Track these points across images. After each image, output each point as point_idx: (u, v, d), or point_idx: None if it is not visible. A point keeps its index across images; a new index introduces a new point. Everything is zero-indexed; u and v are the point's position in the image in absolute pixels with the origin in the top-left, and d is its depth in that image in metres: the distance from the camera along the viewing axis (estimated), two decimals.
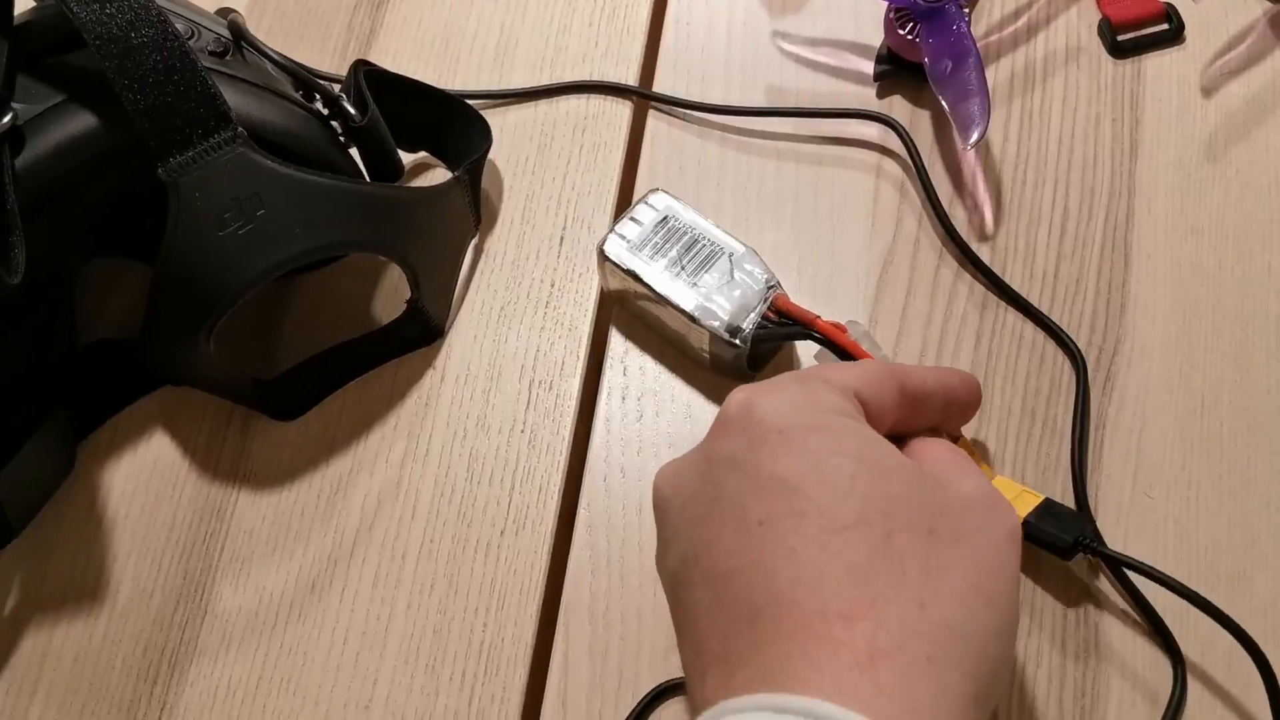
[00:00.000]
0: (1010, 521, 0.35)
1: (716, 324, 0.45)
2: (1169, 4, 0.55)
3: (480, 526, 0.46)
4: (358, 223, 0.44)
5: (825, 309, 0.45)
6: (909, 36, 0.51)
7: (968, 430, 0.44)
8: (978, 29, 0.55)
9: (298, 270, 0.50)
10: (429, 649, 0.44)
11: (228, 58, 0.45)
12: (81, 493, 0.48)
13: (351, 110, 0.46)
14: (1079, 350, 0.47)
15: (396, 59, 0.57)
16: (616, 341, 0.50)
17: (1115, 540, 0.44)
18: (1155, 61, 0.54)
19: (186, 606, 0.46)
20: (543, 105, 0.55)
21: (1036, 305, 0.48)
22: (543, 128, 0.55)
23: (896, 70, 0.54)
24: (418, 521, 0.47)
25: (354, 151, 0.48)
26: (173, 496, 0.48)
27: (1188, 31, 0.55)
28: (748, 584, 0.32)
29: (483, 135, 0.52)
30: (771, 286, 0.46)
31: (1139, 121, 0.53)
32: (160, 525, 0.48)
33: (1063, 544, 0.40)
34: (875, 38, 0.54)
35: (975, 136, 0.48)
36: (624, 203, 0.53)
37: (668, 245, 0.47)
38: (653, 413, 0.48)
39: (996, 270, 0.49)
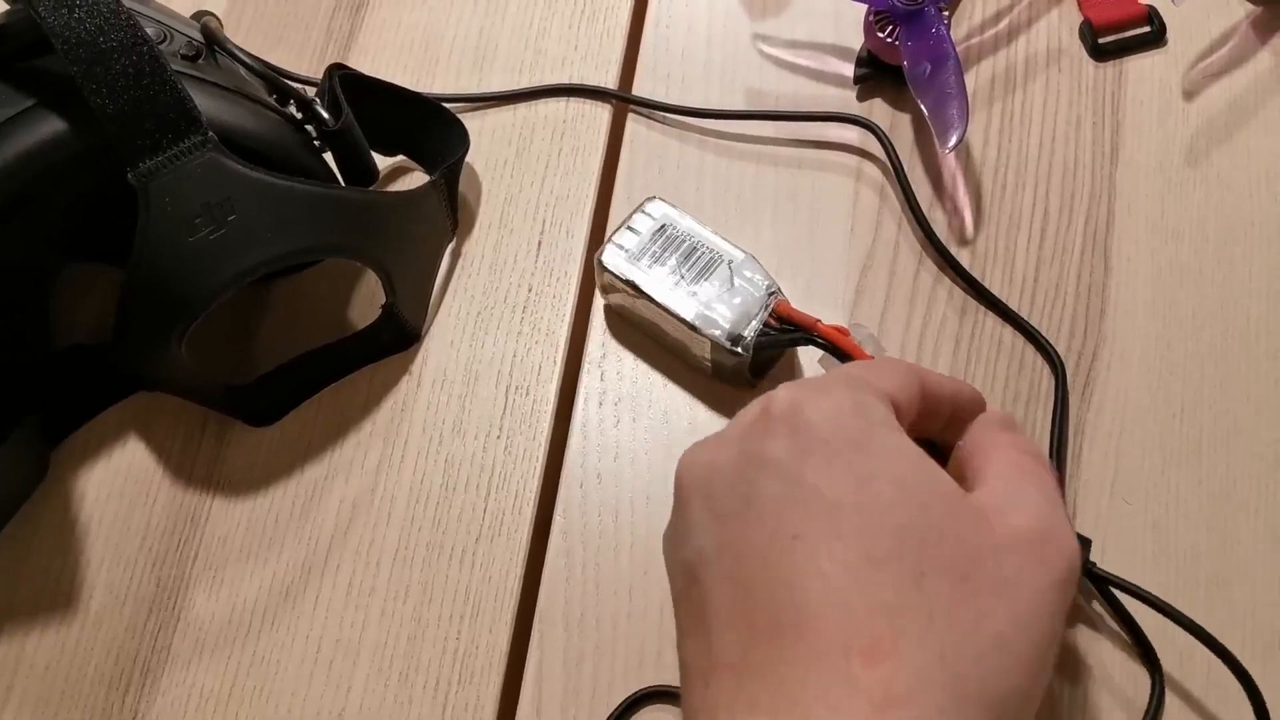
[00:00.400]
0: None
1: (718, 333, 0.45)
2: (1151, 6, 0.55)
3: (455, 533, 0.46)
4: (330, 227, 0.43)
5: (805, 313, 0.45)
6: (888, 39, 0.51)
7: None
8: (958, 31, 0.55)
9: (272, 275, 0.50)
10: (403, 657, 0.44)
11: (200, 61, 0.44)
12: (55, 499, 0.48)
13: (325, 114, 0.46)
14: (1058, 355, 0.47)
15: (375, 62, 0.57)
16: (594, 346, 0.49)
17: (1094, 548, 0.44)
18: (1137, 64, 0.54)
19: (159, 614, 0.46)
20: (521, 108, 0.55)
21: (1016, 310, 0.48)
22: (521, 131, 0.54)
23: (877, 73, 0.53)
24: (392, 528, 0.46)
25: (329, 156, 0.48)
26: (146, 503, 0.48)
27: (1170, 34, 0.54)
28: (772, 595, 0.31)
29: (460, 139, 0.51)
30: (772, 293, 0.45)
31: (1120, 125, 0.52)
32: (134, 532, 0.47)
33: None
34: (856, 41, 0.54)
35: (954, 140, 0.48)
36: (603, 207, 0.53)
37: (666, 254, 0.46)
38: (630, 418, 0.48)
39: (976, 274, 0.49)
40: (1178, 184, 0.51)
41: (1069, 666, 0.42)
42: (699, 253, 0.46)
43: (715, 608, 0.32)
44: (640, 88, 0.55)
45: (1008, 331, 0.48)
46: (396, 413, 0.49)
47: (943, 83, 0.49)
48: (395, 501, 0.47)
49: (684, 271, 0.46)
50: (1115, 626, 0.42)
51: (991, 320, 0.48)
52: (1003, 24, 0.55)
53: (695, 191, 0.52)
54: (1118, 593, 0.41)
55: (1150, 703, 0.41)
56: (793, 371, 0.48)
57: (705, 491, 0.34)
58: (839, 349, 0.43)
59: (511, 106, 0.55)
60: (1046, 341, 0.47)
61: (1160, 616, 0.40)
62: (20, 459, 0.47)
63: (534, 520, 0.46)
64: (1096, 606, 0.43)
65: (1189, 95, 0.53)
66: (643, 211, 0.48)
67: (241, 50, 0.45)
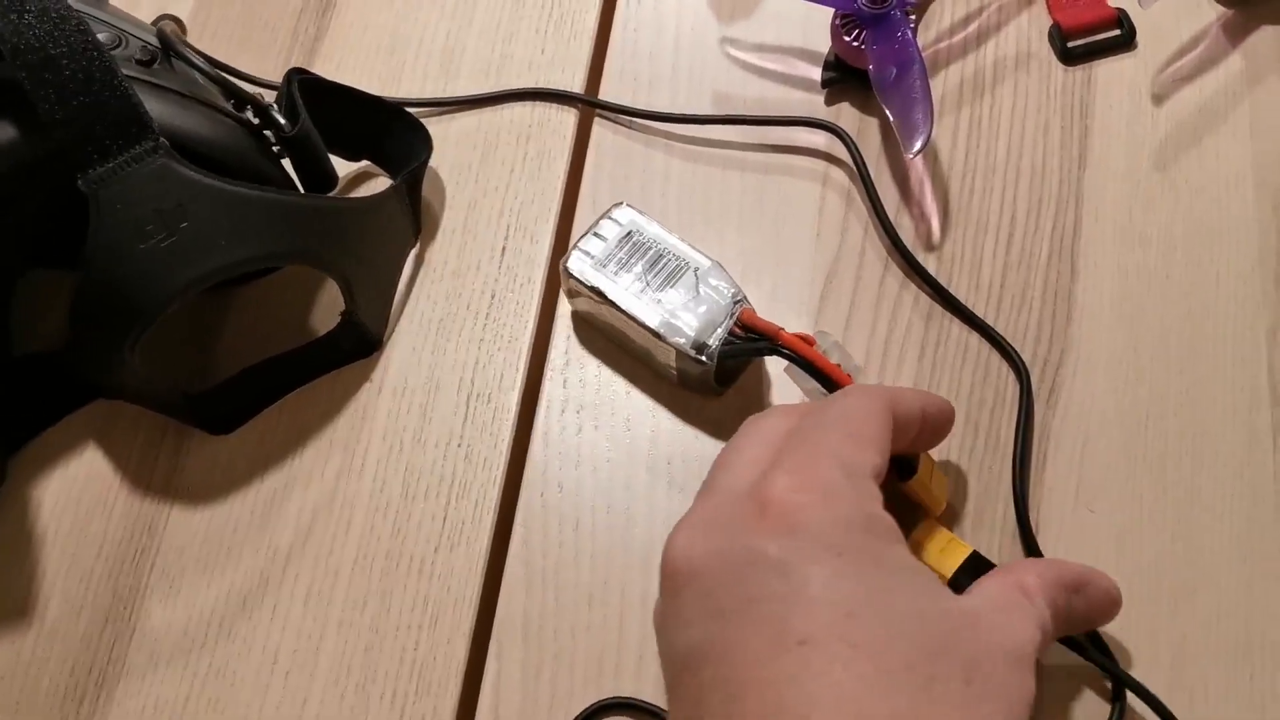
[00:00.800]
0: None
1: (682, 340, 0.44)
2: (1121, 9, 0.54)
3: (415, 542, 0.46)
4: (286, 234, 0.43)
5: (770, 319, 0.44)
6: (855, 43, 0.51)
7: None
8: (927, 35, 0.55)
9: (231, 282, 0.49)
10: (360, 668, 0.44)
11: (155, 66, 0.44)
12: (11, 508, 0.47)
13: (281, 120, 0.46)
14: (1023, 362, 0.46)
15: (341, 65, 0.57)
16: (556, 354, 0.49)
17: (1058, 555, 0.43)
18: (1106, 68, 0.53)
19: (115, 625, 0.45)
20: (487, 113, 0.55)
21: (982, 316, 0.48)
22: (486, 136, 0.54)
23: (844, 77, 0.53)
24: (351, 537, 0.46)
25: (288, 162, 0.48)
26: (104, 512, 0.47)
27: (1139, 37, 0.54)
28: (777, 700, 0.31)
29: (424, 144, 0.51)
30: (738, 301, 0.45)
31: (1088, 129, 0.52)
32: (90, 541, 0.47)
33: None
34: (823, 45, 0.54)
35: (918, 145, 0.47)
36: (568, 212, 0.52)
37: (632, 260, 0.46)
38: (592, 426, 0.47)
39: (942, 280, 0.49)
40: (1146, 189, 0.50)
41: None
42: (665, 260, 0.46)
43: (710, 708, 0.32)
44: (607, 91, 0.55)
45: (973, 338, 0.48)
46: (357, 421, 0.48)
47: (908, 87, 0.48)
48: (355, 510, 0.46)
49: (650, 279, 0.45)
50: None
51: (957, 327, 0.48)
52: (972, 27, 0.55)
53: (661, 196, 0.52)
54: None
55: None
56: (761, 381, 0.48)
57: (702, 586, 0.34)
58: (803, 359, 0.43)
59: (477, 111, 0.55)
60: (1011, 348, 0.47)
61: (1118, 634, 0.40)
62: None
63: (494, 529, 0.46)
64: None
65: (1158, 99, 0.53)
66: (609, 218, 0.47)
67: (198, 55, 0.45)
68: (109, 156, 0.40)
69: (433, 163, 0.52)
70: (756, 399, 0.47)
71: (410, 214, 0.50)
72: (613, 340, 0.49)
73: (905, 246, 0.49)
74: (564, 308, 0.50)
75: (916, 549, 0.41)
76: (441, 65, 0.56)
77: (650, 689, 0.42)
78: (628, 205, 0.47)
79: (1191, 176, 0.51)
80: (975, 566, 0.41)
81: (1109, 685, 0.41)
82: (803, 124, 0.52)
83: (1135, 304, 0.48)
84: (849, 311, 0.49)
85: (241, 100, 0.46)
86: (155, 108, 0.41)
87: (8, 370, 0.48)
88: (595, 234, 0.47)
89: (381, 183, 0.53)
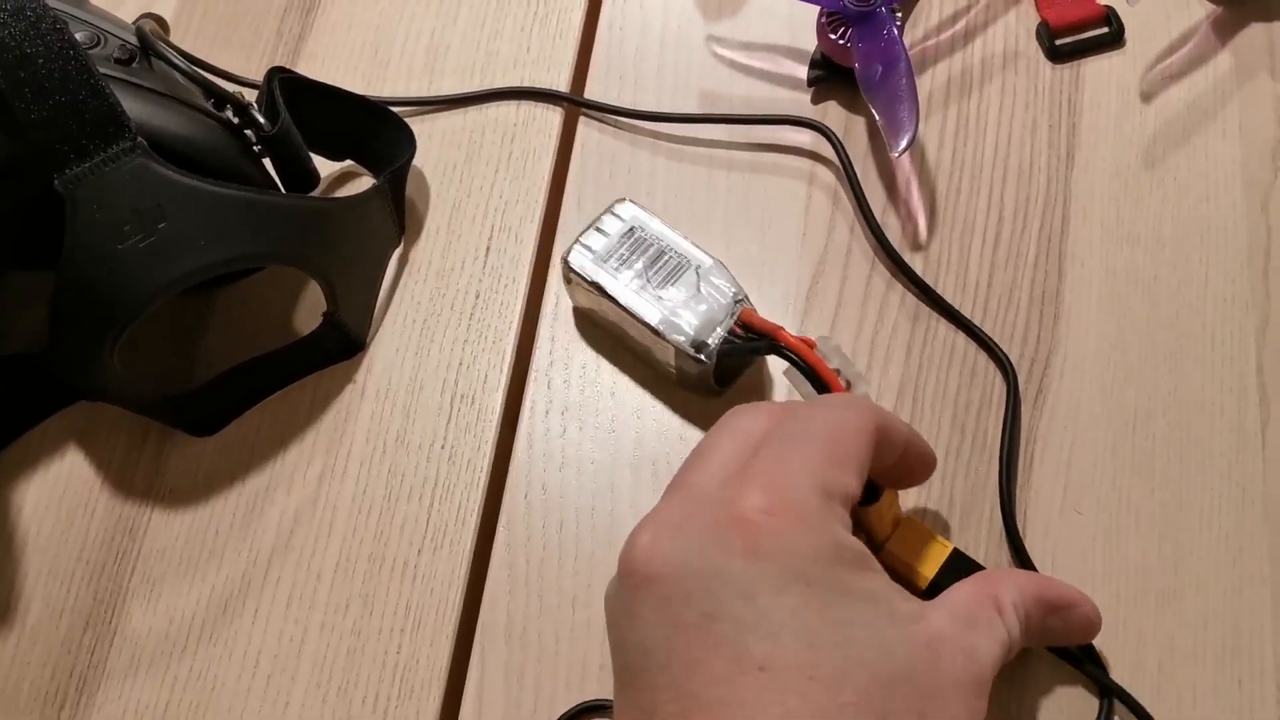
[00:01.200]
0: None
1: (681, 339, 0.44)
2: (1109, 7, 0.54)
3: (398, 545, 0.45)
4: (265, 234, 0.43)
5: (771, 322, 0.44)
6: (841, 41, 0.50)
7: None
8: (914, 33, 0.54)
9: (213, 282, 0.49)
10: (342, 671, 0.43)
11: (133, 65, 0.43)
12: None
13: (261, 119, 0.45)
14: (1010, 362, 0.46)
15: (325, 65, 0.56)
16: (541, 355, 0.49)
17: (1044, 558, 0.43)
18: (1094, 66, 0.53)
19: (96, 628, 0.45)
20: (472, 112, 0.54)
21: (969, 316, 0.47)
22: (471, 135, 0.54)
23: (831, 75, 0.53)
24: (334, 540, 0.46)
25: (269, 162, 0.47)
26: (85, 515, 0.47)
27: (1128, 35, 0.54)
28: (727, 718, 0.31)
29: (407, 143, 0.50)
30: (739, 300, 0.44)
31: (1076, 127, 0.52)
32: (71, 544, 0.46)
33: None
34: (810, 43, 0.53)
35: (904, 143, 0.47)
36: (553, 212, 0.52)
37: (634, 257, 0.46)
38: (576, 427, 0.47)
39: (929, 280, 0.48)
40: (1134, 188, 0.50)
41: (1014, 688, 0.41)
42: (666, 257, 0.46)
43: (661, 715, 0.32)
44: (593, 90, 0.54)
45: (960, 338, 0.47)
46: (340, 422, 0.48)
47: (894, 85, 0.48)
48: (337, 513, 0.46)
49: (650, 275, 0.45)
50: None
51: (944, 327, 0.48)
52: (959, 25, 0.55)
53: (647, 196, 0.51)
54: None
55: None
56: (763, 381, 0.47)
57: (660, 591, 0.33)
58: (802, 361, 0.42)
59: (462, 110, 0.54)
60: (998, 348, 0.46)
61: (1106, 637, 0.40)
62: None
63: (477, 532, 0.45)
64: None
65: (1147, 97, 0.52)
66: (612, 213, 0.47)
67: (177, 54, 0.44)
68: (86, 156, 0.39)
69: (417, 162, 0.52)
70: (755, 396, 0.47)
71: (394, 214, 0.50)
72: (613, 337, 0.48)
73: (892, 246, 0.49)
74: (548, 308, 0.49)
75: (898, 550, 0.41)
76: (426, 64, 0.56)
77: None
78: (630, 201, 0.47)
79: (1180, 175, 0.50)
80: (957, 567, 0.40)
81: (1097, 690, 0.41)
82: (789, 123, 0.52)
83: (1123, 303, 0.48)
84: (835, 311, 0.48)
85: (221, 99, 0.45)
86: (133, 107, 0.41)
87: None
88: (597, 229, 0.46)
89: (365, 182, 0.53)
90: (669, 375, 0.47)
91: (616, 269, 0.45)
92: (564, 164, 0.53)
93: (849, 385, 0.42)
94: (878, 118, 0.48)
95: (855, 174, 0.50)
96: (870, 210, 0.49)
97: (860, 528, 0.41)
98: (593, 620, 0.43)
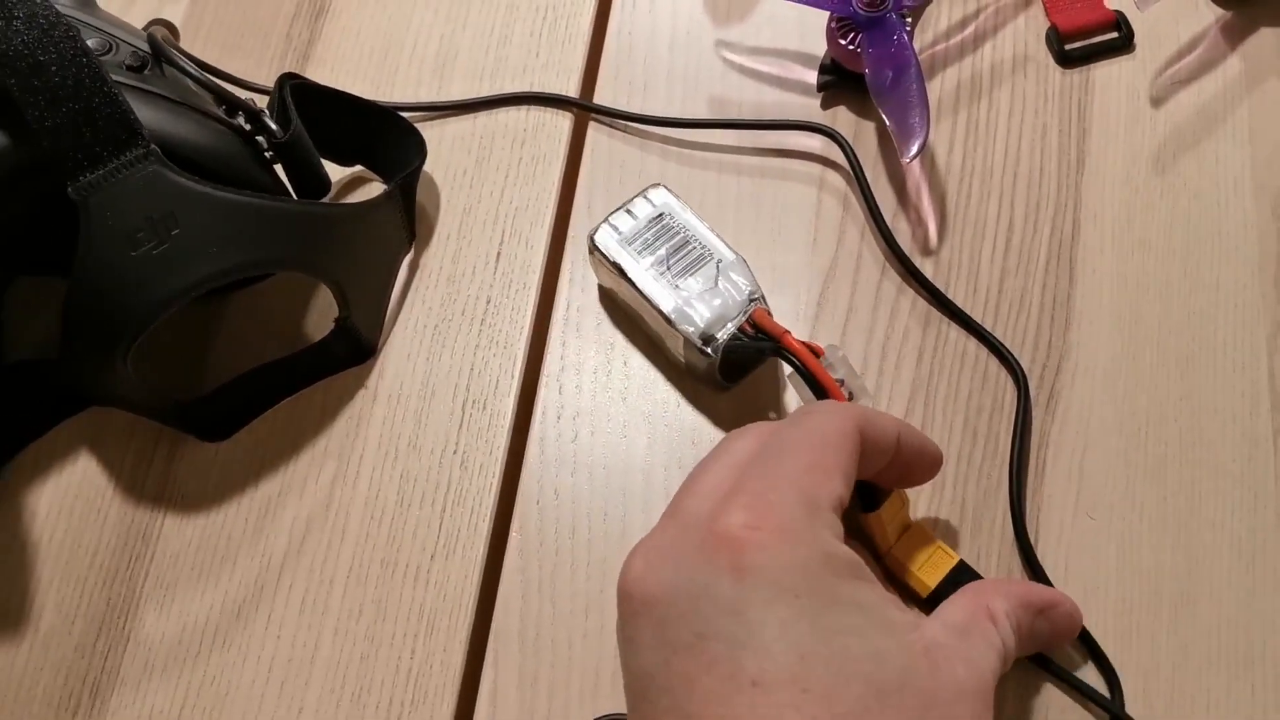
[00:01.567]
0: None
1: (691, 329, 0.44)
2: (1119, 12, 0.54)
3: (410, 550, 0.45)
4: (277, 241, 0.43)
5: (779, 324, 0.44)
6: (851, 46, 0.50)
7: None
8: (924, 38, 0.55)
9: (223, 289, 0.49)
10: (355, 677, 0.43)
11: (145, 72, 0.43)
12: (4, 517, 0.47)
13: (273, 126, 0.45)
14: (1021, 368, 0.46)
15: (335, 70, 0.56)
16: (552, 360, 0.49)
17: (1057, 563, 0.43)
18: (1104, 71, 0.53)
19: (109, 634, 0.45)
20: (481, 117, 0.54)
21: (980, 321, 0.47)
22: (481, 140, 0.54)
23: (840, 80, 0.53)
24: (346, 545, 0.46)
25: (280, 168, 0.47)
26: (98, 520, 0.47)
27: (1138, 40, 0.54)
28: None
29: (417, 148, 0.50)
30: (754, 299, 0.45)
31: (1086, 132, 0.52)
32: (84, 550, 0.46)
33: None
34: (819, 47, 0.53)
35: (915, 149, 0.47)
36: (563, 217, 0.52)
37: (658, 243, 0.46)
38: (588, 432, 0.47)
39: (940, 285, 0.48)
40: (1145, 193, 0.50)
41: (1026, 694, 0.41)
42: (690, 247, 0.46)
43: None
44: (602, 95, 0.54)
45: (971, 343, 0.47)
46: (351, 428, 0.48)
47: (904, 91, 0.48)
48: (349, 518, 0.46)
49: (671, 263, 0.45)
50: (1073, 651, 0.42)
51: (955, 332, 0.48)
52: (968, 30, 0.55)
53: None
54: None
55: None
56: (776, 383, 0.47)
57: (654, 614, 0.34)
58: (803, 366, 0.42)
59: (471, 115, 0.54)
60: (1009, 353, 0.46)
61: (1118, 637, 0.40)
62: None
63: (490, 537, 0.45)
64: None
65: (1157, 102, 0.52)
66: (644, 197, 0.47)
67: (188, 61, 0.45)
68: (99, 164, 0.39)
69: (427, 167, 0.52)
70: (767, 401, 0.47)
71: (404, 219, 0.50)
72: (630, 320, 0.49)
73: (903, 251, 0.49)
74: (559, 313, 0.50)
75: (902, 556, 0.41)
76: (435, 69, 0.56)
77: None
78: (664, 188, 0.47)
79: (1190, 180, 0.50)
80: (961, 579, 0.40)
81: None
82: (798, 128, 0.52)
83: (1134, 309, 0.48)
84: (846, 316, 0.48)
85: (233, 106, 0.45)
86: (145, 114, 0.41)
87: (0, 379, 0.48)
88: (627, 211, 0.47)
89: (375, 188, 0.53)
90: (679, 365, 0.47)
91: (639, 252, 0.46)
92: (574, 169, 0.53)
93: (851, 397, 0.42)
94: (888, 123, 0.48)
95: (866, 179, 0.50)
96: (881, 215, 0.49)
97: (864, 534, 0.41)
98: (606, 625, 0.43)
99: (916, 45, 0.53)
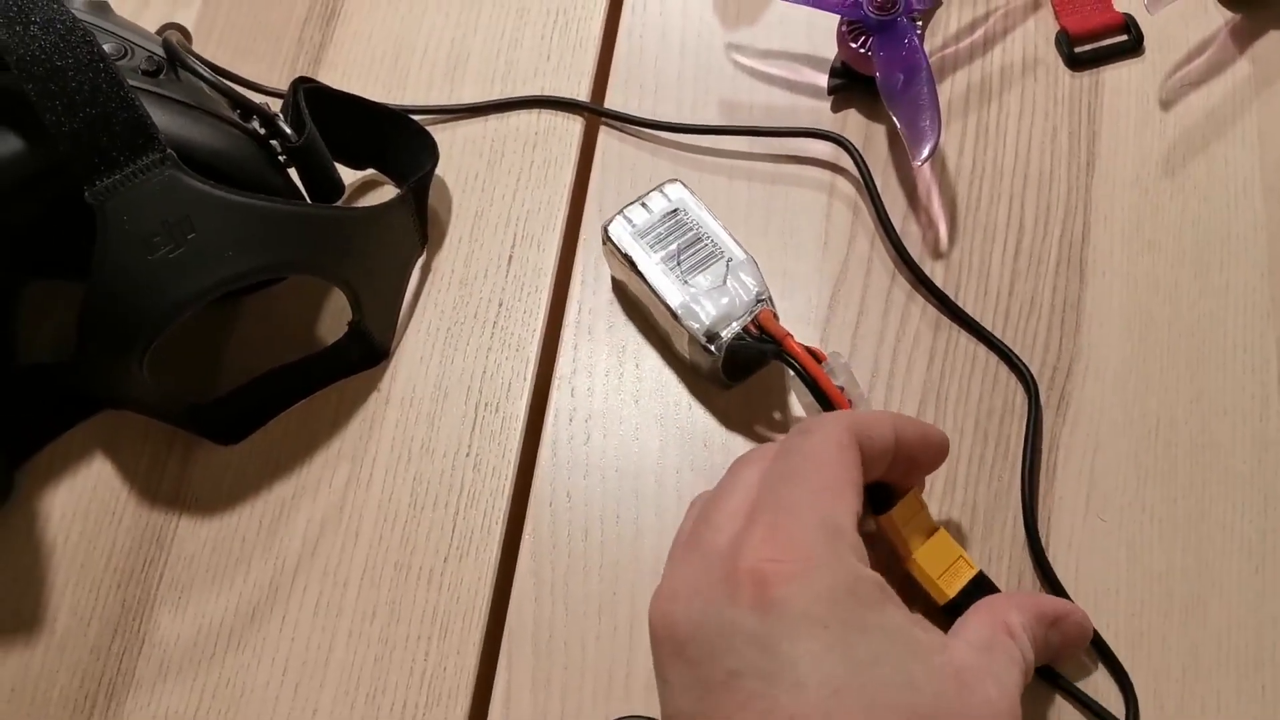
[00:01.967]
0: None
1: (696, 326, 0.45)
2: (1128, 15, 0.54)
3: (424, 553, 0.46)
4: (292, 244, 0.43)
5: (783, 326, 0.44)
6: (861, 50, 0.50)
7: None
8: (933, 41, 0.55)
9: (238, 292, 0.49)
10: (369, 679, 0.44)
11: (160, 77, 0.44)
12: (19, 520, 0.47)
13: (288, 130, 0.45)
14: (1031, 374, 0.46)
15: (346, 74, 0.56)
16: (564, 362, 0.49)
17: (1068, 566, 0.43)
18: (1114, 73, 0.53)
19: (124, 636, 0.45)
20: (493, 120, 0.55)
21: (990, 325, 0.48)
22: (492, 143, 0.54)
23: (850, 84, 0.53)
24: (360, 548, 0.46)
25: (294, 171, 0.47)
26: (112, 523, 0.47)
27: (1147, 42, 0.54)
28: None
29: (429, 152, 0.51)
30: (761, 300, 0.45)
31: (1096, 135, 0.52)
32: (99, 552, 0.47)
33: None
34: (829, 51, 0.53)
35: (926, 152, 0.47)
36: (574, 220, 0.52)
37: (670, 238, 0.46)
38: (600, 435, 0.47)
39: (950, 288, 0.48)
40: (1154, 195, 0.50)
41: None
42: (702, 244, 0.46)
43: None
44: (613, 98, 0.55)
45: (981, 348, 0.48)
46: (365, 430, 0.48)
47: (915, 94, 0.48)
48: (363, 521, 0.46)
49: (682, 259, 0.46)
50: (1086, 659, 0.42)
51: (965, 337, 0.48)
52: (978, 33, 0.55)
53: None
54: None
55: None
56: (784, 388, 0.47)
57: (685, 655, 0.34)
58: (805, 372, 0.42)
59: (483, 118, 0.55)
60: (1019, 360, 0.47)
61: (1130, 640, 0.40)
62: None
63: (503, 540, 0.46)
64: None
65: (1166, 105, 0.52)
66: (660, 191, 0.48)
67: (203, 65, 0.45)
68: (116, 168, 0.40)
69: (439, 170, 0.52)
70: (776, 402, 0.47)
71: (417, 223, 0.50)
72: (640, 314, 0.49)
73: (912, 258, 0.49)
74: (571, 315, 0.50)
75: (925, 564, 0.41)
76: (446, 72, 0.56)
77: None
78: (681, 183, 0.48)
79: (1200, 183, 0.50)
80: (978, 590, 0.40)
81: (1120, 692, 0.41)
82: (808, 135, 0.52)
83: (1144, 311, 0.48)
84: (857, 320, 0.48)
85: (247, 110, 0.46)
86: (161, 119, 0.41)
87: (14, 381, 0.48)
88: (643, 204, 0.47)
89: (388, 191, 0.53)
90: (685, 361, 0.47)
91: (651, 246, 0.46)
92: (585, 172, 0.53)
93: (851, 404, 0.42)
94: (899, 127, 0.48)
95: (875, 186, 0.50)
96: (890, 222, 0.49)
97: (883, 538, 0.41)
98: (618, 627, 0.43)
99: (926, 48, 0.53)
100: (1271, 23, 0.54)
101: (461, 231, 0.52)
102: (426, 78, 0.56)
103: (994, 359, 0.47)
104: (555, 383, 0.48)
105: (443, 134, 0.54)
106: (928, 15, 0.55)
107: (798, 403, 0.47)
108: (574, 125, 0.54)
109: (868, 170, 0.50)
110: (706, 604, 0.34)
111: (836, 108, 0.53)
